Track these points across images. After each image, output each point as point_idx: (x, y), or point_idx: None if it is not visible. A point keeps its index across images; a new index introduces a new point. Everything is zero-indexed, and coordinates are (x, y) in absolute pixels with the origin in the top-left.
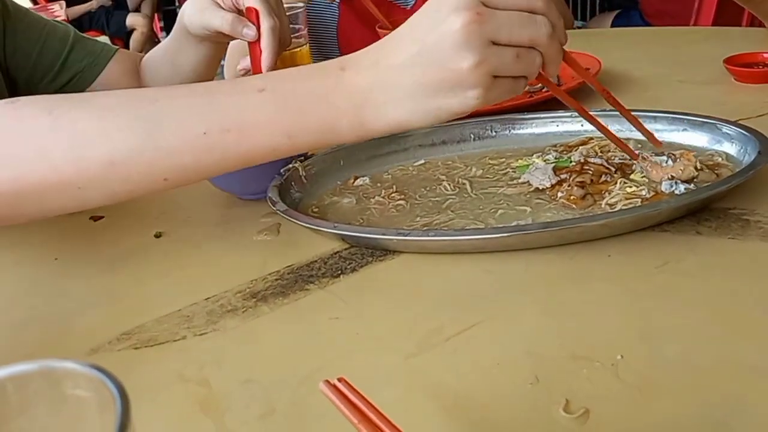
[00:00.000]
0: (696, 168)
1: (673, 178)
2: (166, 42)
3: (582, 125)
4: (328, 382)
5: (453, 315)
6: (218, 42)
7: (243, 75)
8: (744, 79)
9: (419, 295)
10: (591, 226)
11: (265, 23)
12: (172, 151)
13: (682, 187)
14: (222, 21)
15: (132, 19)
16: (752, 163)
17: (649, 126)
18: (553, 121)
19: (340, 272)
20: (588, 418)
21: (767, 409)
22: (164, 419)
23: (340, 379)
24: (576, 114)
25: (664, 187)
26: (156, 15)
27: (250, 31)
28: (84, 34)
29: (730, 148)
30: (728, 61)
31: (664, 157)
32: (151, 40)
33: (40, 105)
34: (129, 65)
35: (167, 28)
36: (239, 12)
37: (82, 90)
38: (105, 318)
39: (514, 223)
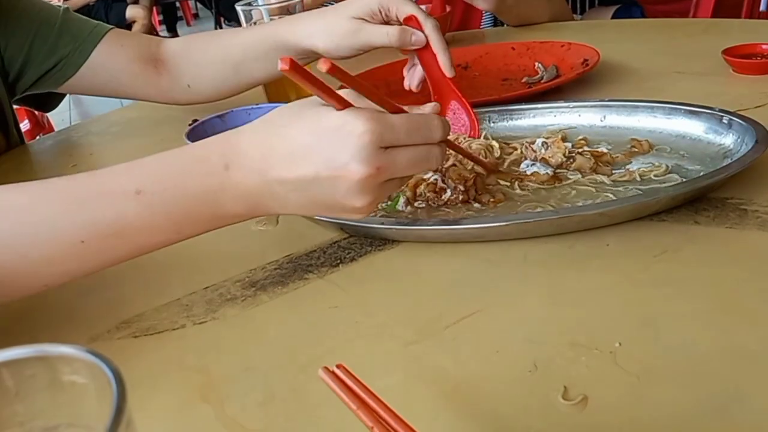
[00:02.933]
0: (564, 155)
1: (542, 160)
2: (233, 37)
3: (579, 116)
4: (327, 368)
5: (452, 303)
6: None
7: (418, 84)
8: (742, 70)
9: (418, 284)
10: (589, 215)
11: (428, 24)
12: (50, 261)
13: (535, 167)
14: (388, 36)
15: (132, 12)
16: (750, 152)
17: (647, 116)
18: (550, 112)
19: (339, 261)
20: (586, 404)
21: (765, 396)
22: (164, 407)
23: (338, 366)
24: (573, 105)
25: (523, 166)
26: (155, 8)
27: (419, 37)
28: (74, 14)
29: (728, 138)
30: (727, 52)
31: (541, 142)
32: (151, 33)
33: None
34: (129, 47)
35: (166, 21)
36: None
37: (69, 76)
38: (104, 307)
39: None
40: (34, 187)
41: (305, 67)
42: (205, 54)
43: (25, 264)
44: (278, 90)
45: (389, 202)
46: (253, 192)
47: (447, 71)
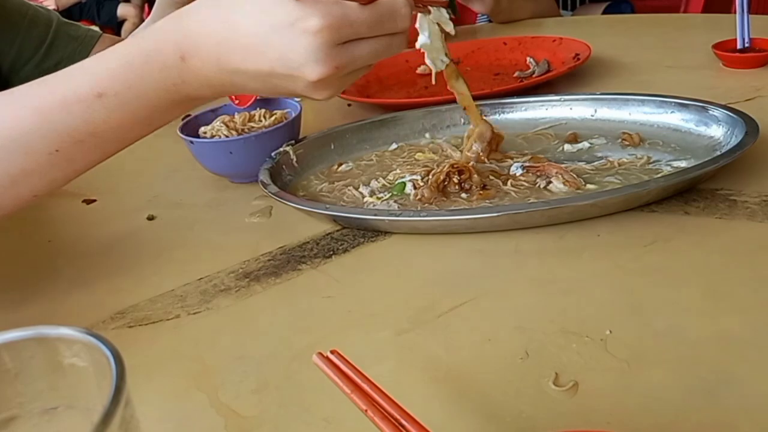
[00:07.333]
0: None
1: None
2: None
3: (570, 109)
4: (321, 354)
5: (445, 293)
6: None
7: None
8: (732, 64)
9: (411, 274)
10: (581, 206)
11: None
12: (29, 173)
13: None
14: None
15: (123, 10)
16: (739, 144)
17: (638, 109)
18: (542, 105)
19: (332, 253)
20: (577, 390)
21: (753, 380)
22: (159, 395)
23: (332, 351)
24: (565, 99)
25: (512, 169)
26: (146, 5)
27: None
28: (66, 20)
29: (717, 131)
30: (717, 46)
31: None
32: None
33: None
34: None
35: None
36: None
37: None
38: (99, 298)
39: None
40: None
41: None
42: None
43: (6, 178)
44: None
45: (396, 184)
46: (213, 80)
47: None
